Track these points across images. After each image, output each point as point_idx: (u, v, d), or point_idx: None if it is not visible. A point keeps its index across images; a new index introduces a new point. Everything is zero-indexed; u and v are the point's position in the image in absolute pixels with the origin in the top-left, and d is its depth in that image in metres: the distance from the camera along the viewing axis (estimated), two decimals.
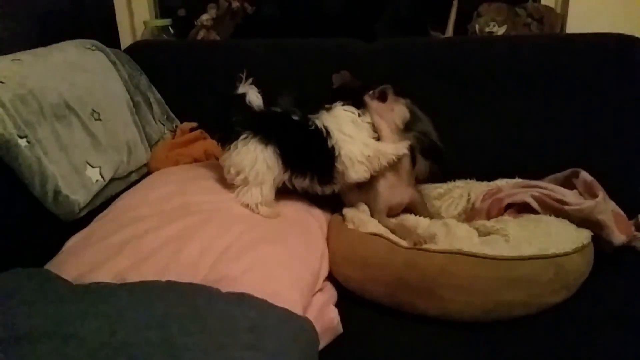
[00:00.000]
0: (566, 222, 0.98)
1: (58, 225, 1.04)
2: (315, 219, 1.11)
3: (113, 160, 1.19)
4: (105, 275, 0.85)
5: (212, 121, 1.25)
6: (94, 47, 1.33)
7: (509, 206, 1.07)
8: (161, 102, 1.49)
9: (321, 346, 0.81)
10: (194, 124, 1.46)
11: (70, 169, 1.07)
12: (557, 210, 1.00)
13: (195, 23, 1.71)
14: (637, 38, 1.31)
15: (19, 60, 1.09)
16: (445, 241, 0.92)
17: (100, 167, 1.14)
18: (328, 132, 1.07)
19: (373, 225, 1.02)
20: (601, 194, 1.01)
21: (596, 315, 0.90)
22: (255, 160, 1.06)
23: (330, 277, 1.00)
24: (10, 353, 0.63)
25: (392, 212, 1.13)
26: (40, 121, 1.04)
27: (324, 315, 0.87)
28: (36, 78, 1.08)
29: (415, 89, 1.33)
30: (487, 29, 1.54)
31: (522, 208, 1.05)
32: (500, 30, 1.54)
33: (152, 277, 0.82)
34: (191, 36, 1.73)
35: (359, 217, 1.06)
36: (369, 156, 1.07)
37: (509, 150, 1.31)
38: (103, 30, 1.68)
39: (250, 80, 1.11)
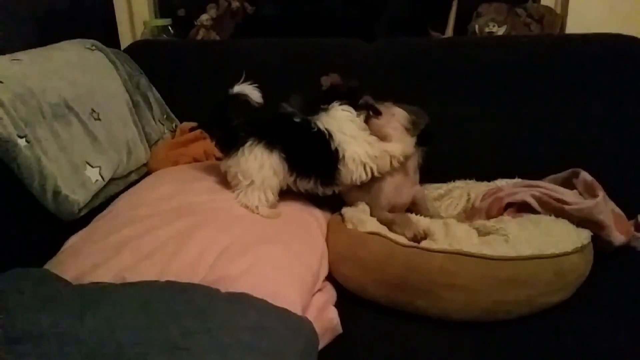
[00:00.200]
0: (566, 222, 0.98)
1: (57, 225, 1.04)
2: (314, 219, 1.11)
3: (112, 160, 1.19)
4: (104, 275, 0.85)
5: (208, 122, 1.24)
6: (93, 47, 1.33)
7: (509, 205, 1.07)
8: (161, 102, 1.49)
9: (321, 346, 0.81)
10: (194, 124, 1.46)
11: (69, 169, 1.07)
12: (557, 209, 1.00)
13: (195, 23, 1.71)
14: (637, 38, 1.32)
15: (18, 60, 1.09)
16: (445, 241, 0.92)
17: (99, 166, 1.14)
18: (330, 134, 1.06)
19: (371, 224, 1.02)
20: (601, 194, 1.01)
21: (596, 315, 0.90)
22: (262, 166, 1.06)
23: (330, 277, 1.00)
24: (11, 353, 0.63)
25: (395, 212, 1.12)
26: (40, 121, 1.04)
27: (324, 316, 0.87)
28: (36, 78, 1.08)
29: (415, 88, 1.34)
30: (486, 29, 1.54)
31: (522, 207, 1.05)
32: (500, 31, 1.54)
33: (152, 277, 0.82)
34: (191, 36, 1.73)
35: (358, 217, 1.06)
36: (375, 157, 1.06)
37: (509, 150, 1.31)
38: (103, 30, 1.69)
39: (245, 80, 1.10)
